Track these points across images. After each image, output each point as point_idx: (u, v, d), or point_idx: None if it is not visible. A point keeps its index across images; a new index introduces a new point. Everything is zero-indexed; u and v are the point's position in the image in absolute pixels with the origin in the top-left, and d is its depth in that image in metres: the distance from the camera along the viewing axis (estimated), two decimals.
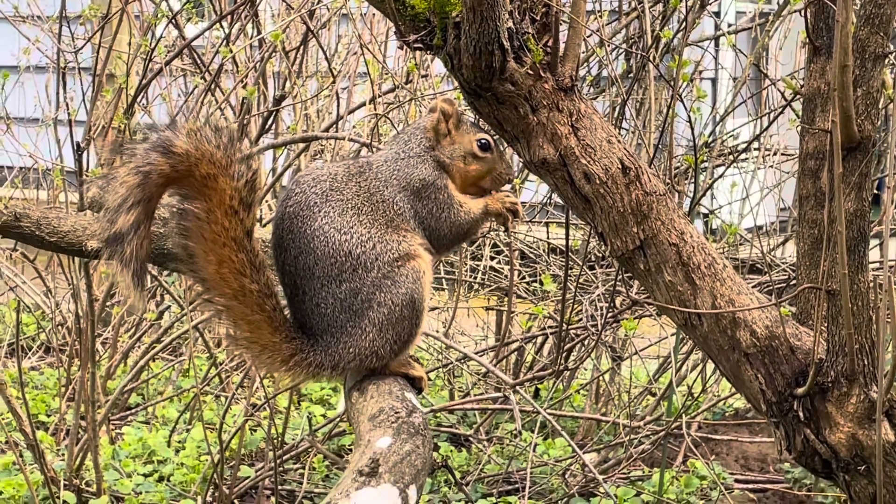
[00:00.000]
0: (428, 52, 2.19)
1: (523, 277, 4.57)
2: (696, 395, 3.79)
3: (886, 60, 2.14)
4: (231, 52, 3.75)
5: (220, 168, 1.91)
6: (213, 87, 3.90)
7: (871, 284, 2.07)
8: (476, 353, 3.99)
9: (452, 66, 2.13)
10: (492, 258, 4.73)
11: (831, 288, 2.01)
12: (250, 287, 1.94)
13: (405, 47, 2.25)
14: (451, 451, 3.92)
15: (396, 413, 1.80)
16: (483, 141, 2.13)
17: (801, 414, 2.07)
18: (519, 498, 3.57)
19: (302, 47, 4.05)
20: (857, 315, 2.01)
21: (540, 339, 4.17)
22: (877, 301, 2.07)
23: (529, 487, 3.35)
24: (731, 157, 4.41)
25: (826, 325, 2.06)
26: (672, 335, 3.73)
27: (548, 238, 4.59)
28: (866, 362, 2.02)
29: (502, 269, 4.68)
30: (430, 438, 1.77)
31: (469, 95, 2.17)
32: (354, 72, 4.72)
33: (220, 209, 1.92)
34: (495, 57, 2.06)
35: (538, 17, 2.17)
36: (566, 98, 2.15)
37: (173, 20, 3.86)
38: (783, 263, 4.37)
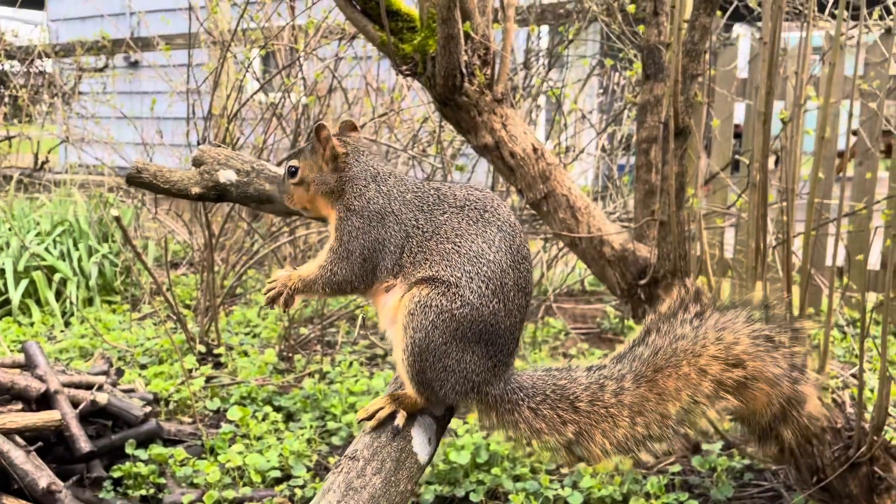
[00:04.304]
0: (413, 77, 2.55)
1: None
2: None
3: (698, 79, 2.67)
4: (288, 89, 4.95)
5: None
6: (276, 114, 5.18)
7: (686, 216, 2.67)
8: None
9: (429, 85, 2.51)
10: None
11: (662, 219, 2.60)
12: None
13: (399, 74, 2.55)
14: None
15: None
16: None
17: (642, 296, 2.65)
18: None
19: (329, 91, 5.29)
20: (678, 236, 2.59)
21: None
22: (691, 228, 2.77)
23: None
24: (577, 153, 5.66)
25: (657, 242, 2.64)
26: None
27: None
28: (681, 265, 2.64)
29: None
30: None
31: (440, 104, 2.57)
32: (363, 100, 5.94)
33: None
34: (457, 79, 2.46)
35: (482, 55, 2.57)
36: (499, 106, 2.60)
37: (253, 72, 5.13)
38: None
